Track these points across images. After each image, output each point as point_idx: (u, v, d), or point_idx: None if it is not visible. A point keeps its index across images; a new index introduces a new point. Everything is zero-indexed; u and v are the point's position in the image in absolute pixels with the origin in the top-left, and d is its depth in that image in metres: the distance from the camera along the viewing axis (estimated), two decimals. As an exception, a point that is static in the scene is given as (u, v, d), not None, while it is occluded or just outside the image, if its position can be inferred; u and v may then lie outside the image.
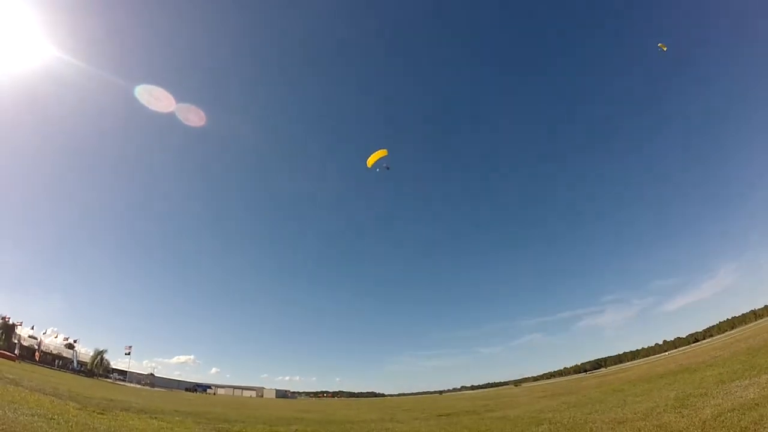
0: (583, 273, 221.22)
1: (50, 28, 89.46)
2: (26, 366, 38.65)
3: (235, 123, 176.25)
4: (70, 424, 11.82)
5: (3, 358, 40.45)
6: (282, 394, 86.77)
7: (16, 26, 75.34)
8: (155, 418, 16.37)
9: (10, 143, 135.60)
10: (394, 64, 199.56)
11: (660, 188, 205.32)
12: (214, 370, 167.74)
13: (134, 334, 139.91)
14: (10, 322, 58.61)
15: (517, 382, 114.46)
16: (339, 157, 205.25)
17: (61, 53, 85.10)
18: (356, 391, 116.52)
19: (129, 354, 69.45)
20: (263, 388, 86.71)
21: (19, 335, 59.36)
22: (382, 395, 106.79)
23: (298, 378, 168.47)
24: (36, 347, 56.14)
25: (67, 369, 56.42)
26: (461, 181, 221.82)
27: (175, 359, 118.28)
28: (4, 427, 10.31)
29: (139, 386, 63.28)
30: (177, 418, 17.30)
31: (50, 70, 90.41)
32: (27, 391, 15.98)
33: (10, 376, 19.58)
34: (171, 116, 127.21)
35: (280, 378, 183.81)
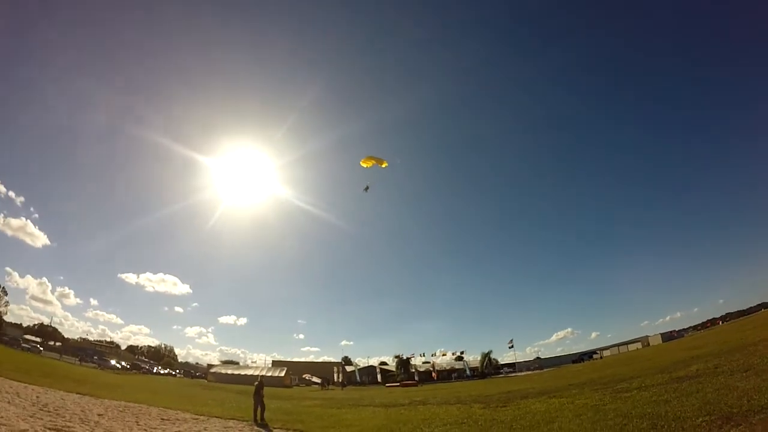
0: None
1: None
2: (426, 386, 46.75)
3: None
4: (479, 423, 11.57)
5: (407, 386, 50.35)
6: (668, 337, 75.61)
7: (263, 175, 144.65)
8: (554, 396, 15.13)
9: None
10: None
11: None
12: (593, 335, 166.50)
13: (512, 329, 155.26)
14: (404, 357, 75.36)
15: None
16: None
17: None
18: (745, 308, 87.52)
19: (512, 347, 74.19)
20: (647, 336, 79.19)
21: (414, 365, 74.88)
22: (777, 304, 75.31)
23: (678, 314, 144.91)
24: (431, 369, 69.12)
25: (462, 378, 66.17)
26: None
27: (554, 337, 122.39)
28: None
29: (530, 372, 64.64)
30: (574, 391, 15.91)
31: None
32: (435, 406, 17.87)
33: (418, 399, 23.03)
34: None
35: (660, 320, 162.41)
